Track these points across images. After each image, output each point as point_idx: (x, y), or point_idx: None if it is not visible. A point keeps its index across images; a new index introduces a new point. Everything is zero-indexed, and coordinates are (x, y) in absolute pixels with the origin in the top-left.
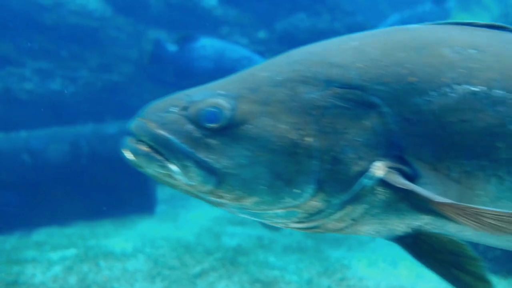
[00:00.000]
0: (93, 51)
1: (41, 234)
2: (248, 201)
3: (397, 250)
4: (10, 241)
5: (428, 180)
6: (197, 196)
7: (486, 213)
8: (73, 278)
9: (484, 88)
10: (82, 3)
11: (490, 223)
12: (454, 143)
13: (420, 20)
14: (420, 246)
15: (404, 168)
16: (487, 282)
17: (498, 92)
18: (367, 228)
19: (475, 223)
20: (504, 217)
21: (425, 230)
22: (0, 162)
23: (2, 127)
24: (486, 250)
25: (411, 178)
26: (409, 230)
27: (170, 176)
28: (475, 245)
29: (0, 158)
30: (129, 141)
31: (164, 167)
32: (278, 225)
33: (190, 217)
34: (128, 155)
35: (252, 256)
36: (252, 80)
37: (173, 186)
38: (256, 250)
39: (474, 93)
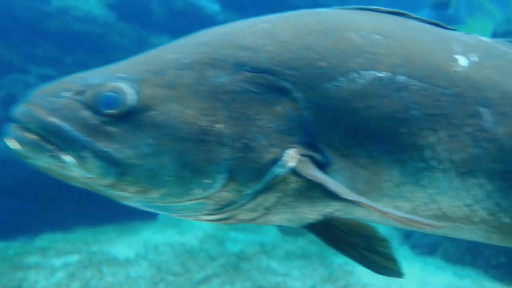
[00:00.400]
0: (97, 57)
1: (44, 240)
2: (154, 194)
3: (401, 258)
4: (14, 247)
5: (338, 167)
6: (97, 190)
7: (386, 212)
8: (76, 285)
9: (389, 74)
10: (86, 9)
11: (392, 217)
12: (361, 129)
13: None
14: (331, 231)
15: (316, 155)
16: (394, 260)
17: (401, 78)
18: (279, 217)
19: (380, 213)
20: (402, 219)
21: (335, 216)
22: (4, 168)
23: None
24: (491, 257)
25: (323, 165)
26: (320, 217)
27: (64, 168)
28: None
29: (4, 165)
30: (13, 128)
31: (56, 158)
32: (187, 218)
33: (193, 223)
34: (13, 144)
35: (255, 262)
36: (157, 62)
37: (68, 180)
38: (259, 256)
39: (379, 79)
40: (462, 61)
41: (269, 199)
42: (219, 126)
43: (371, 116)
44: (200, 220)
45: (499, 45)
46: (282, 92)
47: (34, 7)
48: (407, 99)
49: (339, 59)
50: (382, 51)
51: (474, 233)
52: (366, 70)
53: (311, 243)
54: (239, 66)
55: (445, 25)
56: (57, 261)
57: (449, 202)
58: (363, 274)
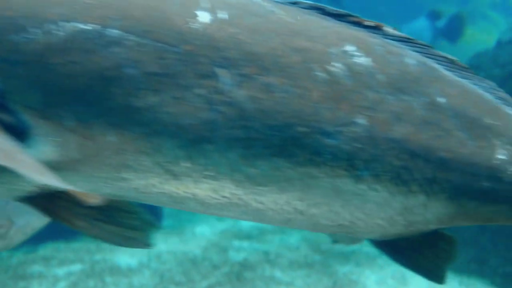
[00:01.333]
0: None
1: (47, 249)
2: None
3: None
4: (17, 255)
5: (41, 131)
6: None
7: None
8: None
9: (98, 27)
10: None
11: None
12: (64, 88)
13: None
14: (54, 202)
15: (6, 117)
16: (143, 231)
17: (114, 32)
18: None
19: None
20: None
21: (59, 189)
22: None
23: None
24: (497, 266)
25: (19, 128)
26: (36, 189)
27: None
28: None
29: None
30: None
31: None
32: None
33: (196, 231)
34: None
35: (259, 271)
36: None
37: None
38: (262, 265)
39: (84, 32)
40: (204, 17)
41: None
42: None
43: (73, 73)
44: None
45: (269, 4)
46: None
47: None
48: (119, 56)
49: (32, 9)
50: (94, 2)
51: (234, 212)
52: (67, 21)
53: (315, 252)
54: None
55: None
56: (60, 271)
57: (184, 173)
58: (369, 283)
